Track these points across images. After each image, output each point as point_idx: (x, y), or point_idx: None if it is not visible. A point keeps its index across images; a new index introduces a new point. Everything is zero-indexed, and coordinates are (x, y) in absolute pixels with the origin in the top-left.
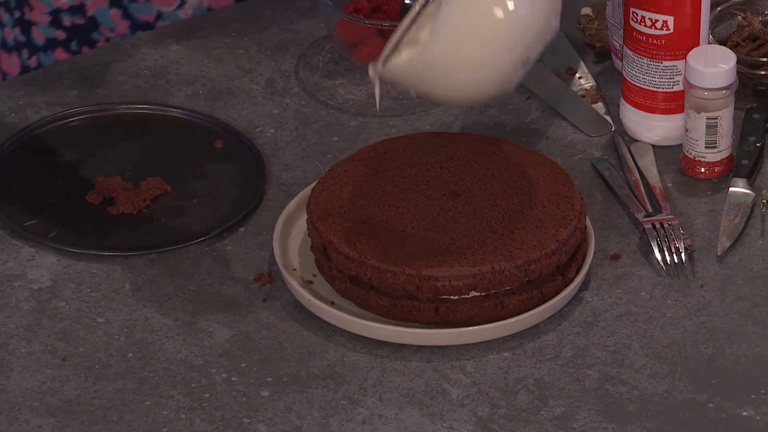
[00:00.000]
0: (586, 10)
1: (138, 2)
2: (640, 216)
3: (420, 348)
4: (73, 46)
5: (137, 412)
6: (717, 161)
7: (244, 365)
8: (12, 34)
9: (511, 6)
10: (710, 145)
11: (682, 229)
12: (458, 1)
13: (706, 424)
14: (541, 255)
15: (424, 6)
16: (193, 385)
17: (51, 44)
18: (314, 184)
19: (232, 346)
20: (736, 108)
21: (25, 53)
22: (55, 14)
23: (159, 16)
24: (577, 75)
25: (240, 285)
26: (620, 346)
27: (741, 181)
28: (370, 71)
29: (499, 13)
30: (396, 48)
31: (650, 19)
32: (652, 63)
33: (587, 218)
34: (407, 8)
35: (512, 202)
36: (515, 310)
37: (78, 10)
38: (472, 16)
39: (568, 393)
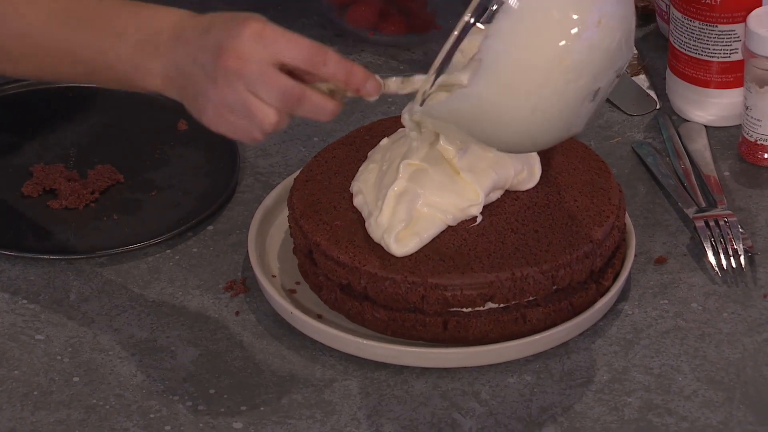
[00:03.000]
0: None
1: None
2: (690, 212)
3: (425, 371)
4: None
5: None
6: None
7: (212, 392)
8: None
9: (573, 30)
10: None
11: (742, 228)
12: (508, 27)
13: None
14: (571, 259)
15: (470, 23)
16: (152, 415)
17: None
18: (297, 173)
19: (198, 368)
20: None
21: None
22: None
23: None
24: None
25: (208, 295)
26: (666, 368)
27: None
28: (405, 118)
29: (559, 39)
30: (434, 83)
31: None
32: (705, 27)
33: (627, 214)
34: None
35: (537, 195)
36: (540, 325)
37: None
38: (525, 45)
39: (603, 425)
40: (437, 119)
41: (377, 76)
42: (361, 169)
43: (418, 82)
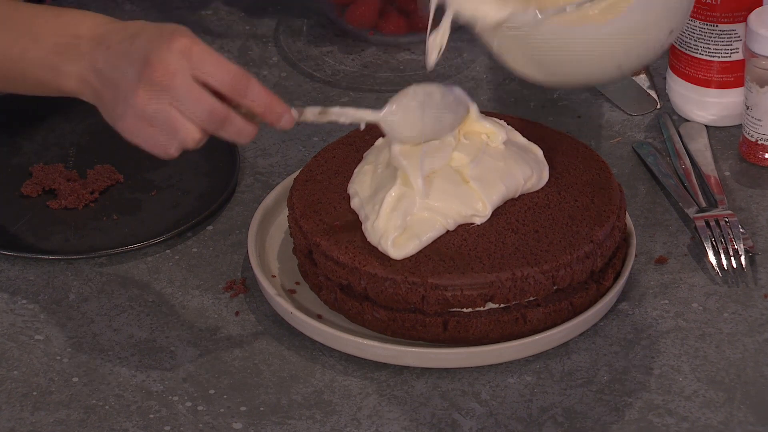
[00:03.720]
0: None
1: None
2: (691, 211)
3: (425, 371)
4: None
5: None
6: None
7: (212, 392)
8: None
9: None
10: None
11: (742, 228)
12: None
13: None
14: (572, 259)
15: None
16: (151, 416)
17: None
18: (297, 173)
19: (198, 368)
20: None
21: None
22: None
23: None
24: None
25: (208, 295)
26: (667, 368)
27: None
28: (395, 152)
29: None
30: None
31: None
32: (705, 26)
33: (627, 214)
34: None
35: (537, 195)
36: (540, 325)
37: None
38: None
39: (603, 426)
40: (546, 40)
41: (293, 109)
42: (356, 170)
43: (335, 114)
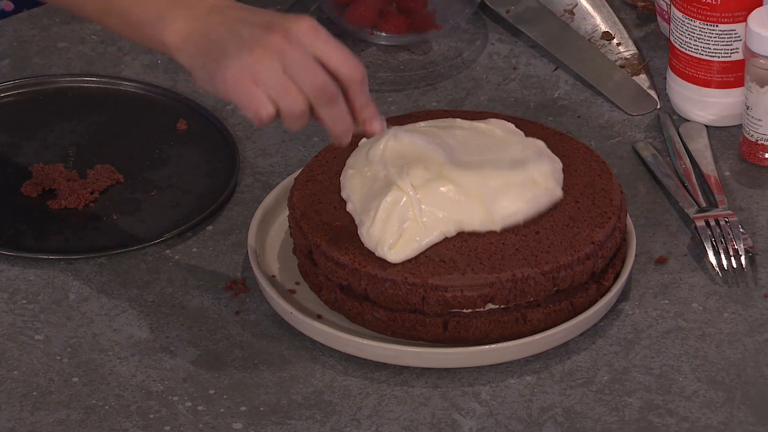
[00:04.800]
0: None
1: None
2: (691, 212)
3: (425, 371)
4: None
5: None
6: None
7: (212, 392)
8: None
9: None
10: None
11: (742, 228)
12: None
13: None
14: (572, 260)
15: None
16: (151, 416)
17: None
18: (297, 173)
19: (198, 368)
20: None
21: None
22: None
23: None
24: (615, 41)
25: (208, 295)
26: (667, 368)
27: None
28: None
29: None
30: None
31: None
32: (705, 26)
33: (627, 215)
34: None
35: None
36: (540, 326)
37: None
38: None
39: (604, 425)
40: None
41: (383, 121)
42: (342, 177)
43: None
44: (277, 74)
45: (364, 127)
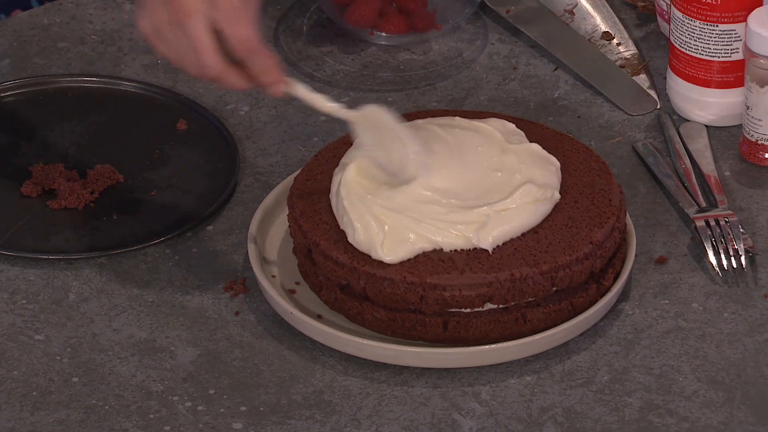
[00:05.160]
0: None
1: None
2: (691, 212)
3: (425, 371)
4: (6, 6)
5: None
6: None
7: (212, 392)
8: None
9: None
10: None
11: (742, 228)
12: None
13: None
14: (571, 259)
15: None
16: (151, 416)
17: None
18: (297, 172)
19: (197, 368)
20: None
21: None
22: None
23: None
24: (615, 41)
25: (208, 295)
26: (667, 368)
27: None
28: None
29: None
30: None
31: None
32: (705, 26)
33: (627, 215)
34: None
35: None
36: (540, 326)
37: None
38: None
39: (604, 426)
40: None
41: (289, 80)
42: (333, 178)
43: (312, 100)
44: (173, 45)
45: (263, 87)
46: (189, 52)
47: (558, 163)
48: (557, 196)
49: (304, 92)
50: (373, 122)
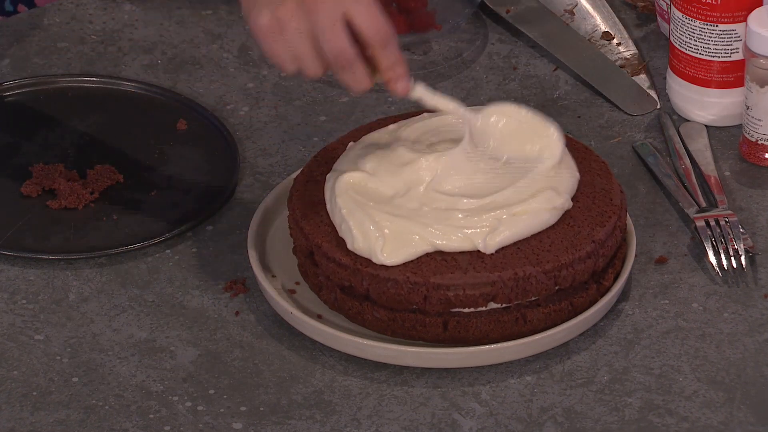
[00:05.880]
0: None
1: None
2: (691, 212)
3: (425, 371)
4: (7, 5)
5: None
6: None
7: (212, 392)
8: None
9: None
10: None
11: (742, 228)
12: None
13: None
14: (573, 258)
15: None
16: (151, 416)
17: None
18: (297, 173)
19: (197, 368)
20: None
21: None
22: None
23: None
24: (615, 41)
25: (208, 295)
26: (667, 368)
27: None
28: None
29: None
30: None
31: None
32: (705, 26)
33: (628, 215)
34: None
35: None
36: (540, 325)
37: None
38: None
39: (604, 425)
40: None
41: (411, 81)
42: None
43: (439, 104)
44: (300, 35)
45: (388, 87)
46: (319, 40)
47: (578, 176)
48: (569, 204)
49: (426, 93)
50: (496, 123)
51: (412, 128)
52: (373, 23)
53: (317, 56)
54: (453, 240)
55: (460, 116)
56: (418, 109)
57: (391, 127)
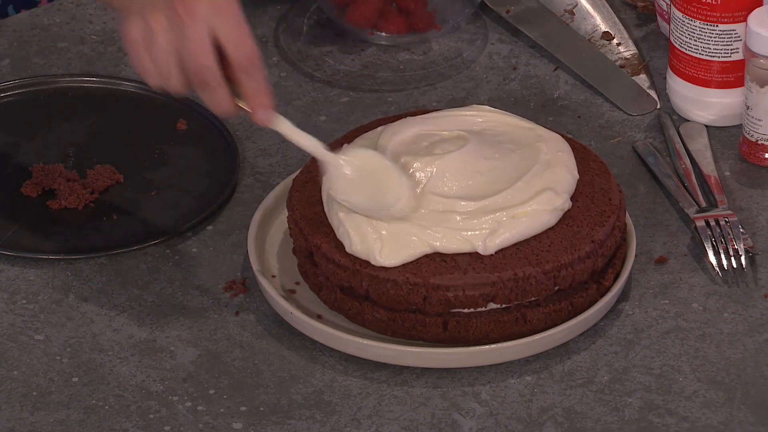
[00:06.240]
0: None
1: None
2: (691, 212)
3: (425, 371)
4: (10, 11)
5: None
6: None
7: (212, 392)
8: None
9: None
10: None
11: (742, 228)
12: None
13: None
14: (573, 258)
15: None
16: (151, 416)
17: None
18: (297, 173)
19: (197, 368)
20: None
21: None
22: None
23: None
24: (615, 41)
25: (208, 295)
26: (667, 368)
27: None
28: None
29: None
30: None
31: None
32: (705, 26)
33: (627, 215)
34: None
35: None
36: (540, 326)
37: None
38: None
39: (604, 426)
40: None
41: (275, 114)
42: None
43: (299, 139)
44: (165, 50)
45: (249, 115)
46: (185, 56)
47: (578, 176)
48: (569, 204)
49: (287, 127)
50: (358, 165)
51: (401, 128)
52: (240, 45)
53: (181, 72)
54: (452, 242)
55: (319, 156)
56: (419, 109)
57: (379, 129)
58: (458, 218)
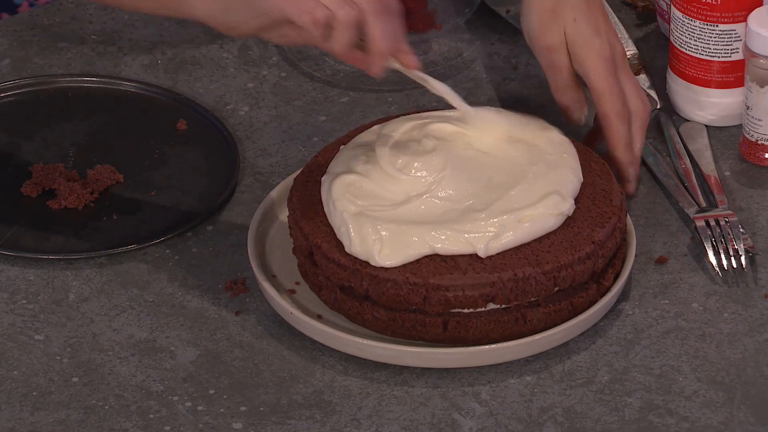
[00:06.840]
0: None
1: None
2: (691, 212)
3: (425, 371)
4: (6, 6)
5: None
6: None
7: (212, 392)
8: None
9: None
10: None
11: (742, 228)
12: None
13: None
14: (573, 259)
15: None
16: (151, 416)
17: None
18: (297, 173)
19: (198, 368)
20: None
21: None
22: None
23: None
24: None
25: (208, 295)
26: (667, 368)
27: None
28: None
29: None
30: None
31: None
32: (705, 26)
33: (628, 215)
34: None
35: None
36: (540, 326)
37: None
38: None
39: (604, 426)
40: None
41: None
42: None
43: (426, 80)
44: None
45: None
46: None
47: (582, 179)
48: (573, 208)
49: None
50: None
51: (398, 127)
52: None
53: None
54: (454, 244)
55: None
56: (419, 109)
57: (375, 128)
58: (463, 220)
